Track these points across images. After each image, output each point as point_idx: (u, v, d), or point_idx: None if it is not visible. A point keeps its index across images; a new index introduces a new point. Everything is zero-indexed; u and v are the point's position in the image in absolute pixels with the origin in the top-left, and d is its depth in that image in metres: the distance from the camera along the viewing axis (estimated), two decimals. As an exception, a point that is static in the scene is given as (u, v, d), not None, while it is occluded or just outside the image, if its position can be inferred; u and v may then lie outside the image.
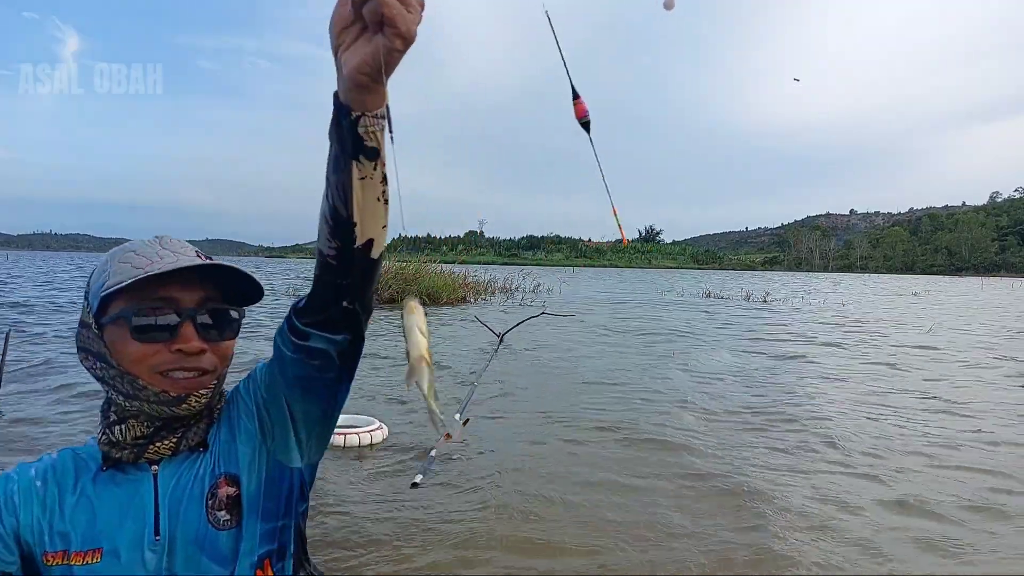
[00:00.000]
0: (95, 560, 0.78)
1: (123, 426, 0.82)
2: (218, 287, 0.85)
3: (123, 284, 0.78)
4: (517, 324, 9.86)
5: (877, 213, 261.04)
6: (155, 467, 0.83)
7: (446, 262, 19.83)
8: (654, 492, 3.47)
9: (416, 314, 0.67)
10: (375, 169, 0.68)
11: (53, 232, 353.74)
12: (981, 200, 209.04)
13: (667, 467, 3.89)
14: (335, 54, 0.62)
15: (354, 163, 0.67)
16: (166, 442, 0.83)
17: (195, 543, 0.81)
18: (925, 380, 7.03)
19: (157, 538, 0.80)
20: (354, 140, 0.66)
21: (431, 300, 15.39)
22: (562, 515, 3.15)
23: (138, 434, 0.82)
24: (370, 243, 0.72)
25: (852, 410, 5.51)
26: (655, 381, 6.63)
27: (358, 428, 4.22)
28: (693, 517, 3.13)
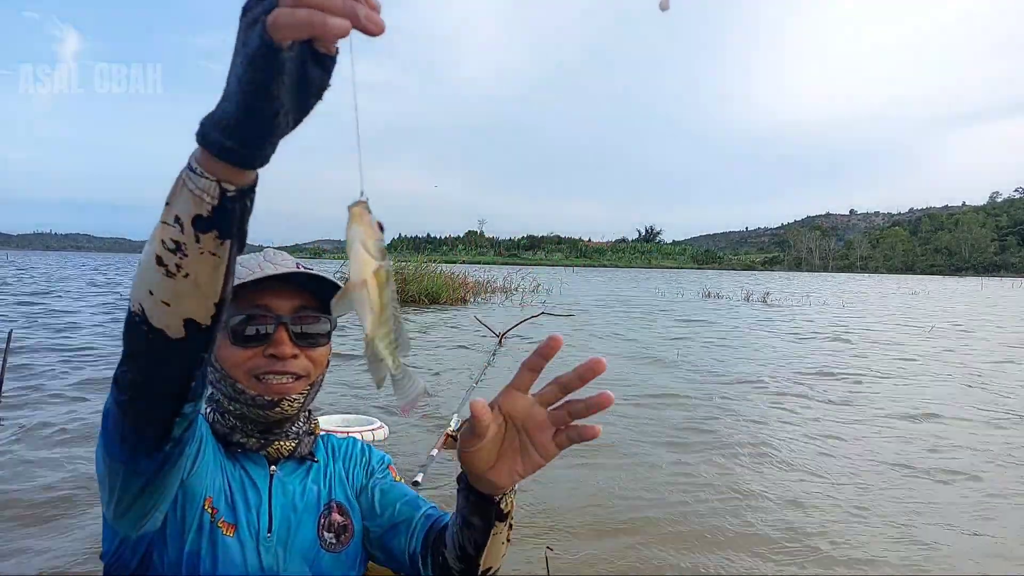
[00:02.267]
0: (231, 533, 0.82)
1: (233, 422, 0.88)
2: (313, 296, 0.90)
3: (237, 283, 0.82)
4: (517, 324, 9.86)
5: (877, 213, 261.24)
6: (273, 467, 0.90)
7: (446, 262, 19.84)
8: (663, 499, 3.48)
9: (360, 224, 0.49)
10: (505, 524, 0.74)
11: (53, 232, 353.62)
12: (981, 200, 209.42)
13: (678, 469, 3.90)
14: (462, 460, 0.66)
15: (492, 527, 0.74)
16: (286, 443, 0.90)
17: (303, 554, 0.86)
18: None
19: (269, 535, 0.85)
20: (497, 513, 0.72)
21: (431, 300, 15.40)
22: (560, 516, 3.16)
23: (250, 431, 0.88)
24: (489, 569, 0.79)
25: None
26: (653, 378, 6.65)
27: (359, 428, 4.24)
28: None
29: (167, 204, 0.52)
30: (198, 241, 0.51)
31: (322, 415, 4.54)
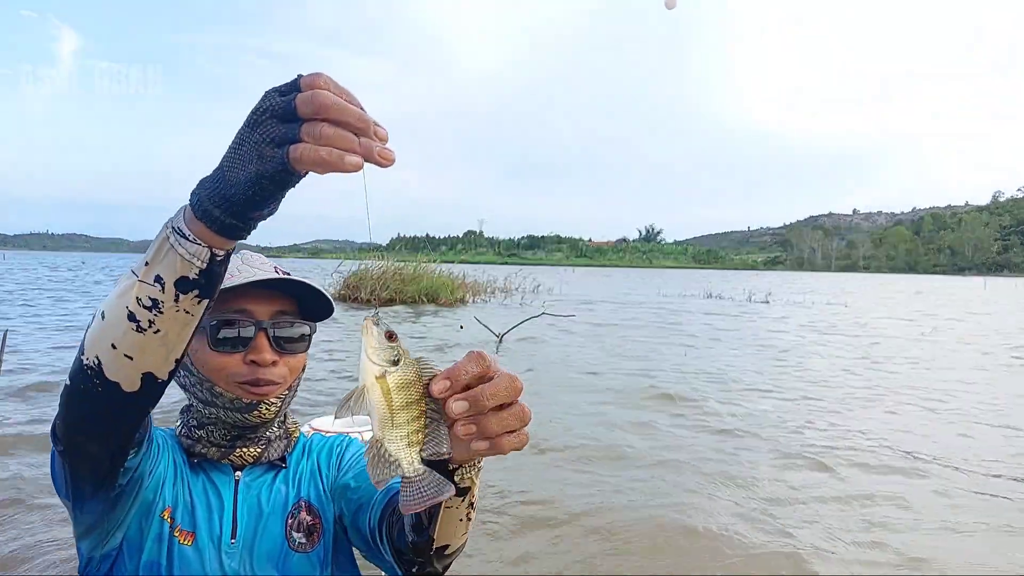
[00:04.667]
0: (188, 542, 0.81)
1: (203, 431, 0.87)
2: (292, 301, 0.90)
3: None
4: (517, 324, 9.80)
5: (880, 212, 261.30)
6: (238, 473, 0.88)
7: (445, 262, 19.79)
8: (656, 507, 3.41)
9: (365, 335, 0.54)
10: (463, 500, 0.68)
11: (50, 232, 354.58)
12: (984, 200, 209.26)
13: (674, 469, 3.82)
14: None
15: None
16: (251, 449, 0.88)
17: (270, 557, 0.85)
18: None
19: (233, 541, 0.83)
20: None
21: (430, 300, 15.35)
22: (556, 516, 3.10)
23: (217, 439, 0.87)
24: (445, 547, 0.73)
25: None
26: (647, 377, 6.58)
27: (358, 428, 4.16)
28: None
29: (146, 264, 0.54)
30: (177, 300, 0.53)
31: (320, 416, 4.47)
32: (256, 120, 0.48)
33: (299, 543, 0.87)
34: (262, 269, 0.86)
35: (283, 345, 0.86)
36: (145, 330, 0.54)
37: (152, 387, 0.58)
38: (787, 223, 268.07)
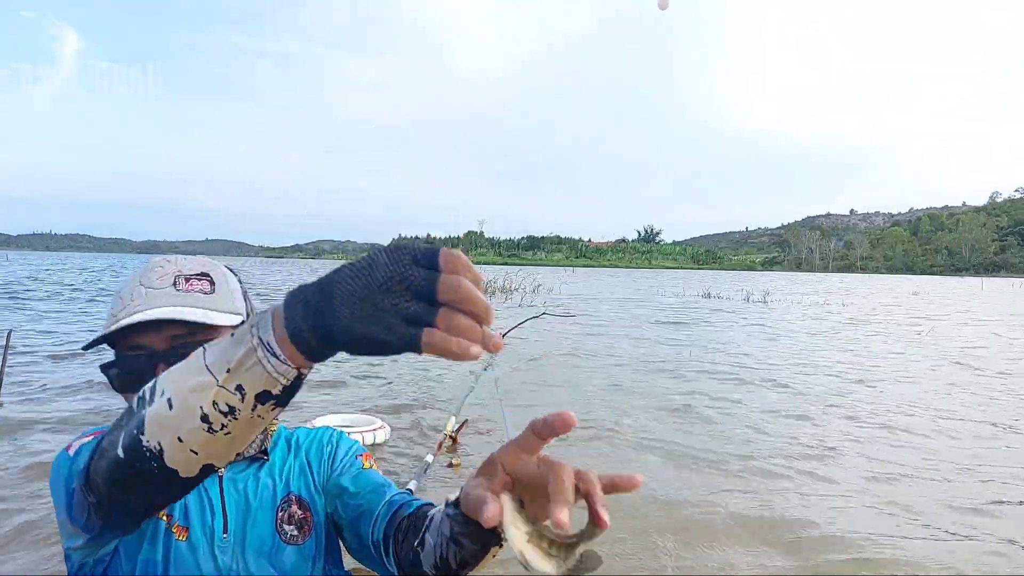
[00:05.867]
0: (183, 537, 0.81)
1: None
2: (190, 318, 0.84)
3: (99, 335, 0.83)
4: (517, 324, 9.82)
5: (877, 213, 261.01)
6: (221, 469, 0.86)
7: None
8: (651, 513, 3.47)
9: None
10: (501, 547, 0.68)
11: (52, 232, 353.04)
12: (981, 200, 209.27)
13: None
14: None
15: (486, 552, 0.67)
16: None
17: (262, 550, 0.85)
18: None
19: (225, 536, 0.84)
20: (498, 539, 0.66)
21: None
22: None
23: None
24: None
25: None
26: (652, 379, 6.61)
27: (360, 428, 4.21)
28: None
29: (228, 371, 0.52)
30: (254, 409, 0.53)
31: (323, 415, 4.51)
32: (387, 285, 0.45)
33: (291, 535, 0.87)
34: (160, 288, 0.81)
35: None
36: (216, 432, 0.54)
37: (208, 472, 0.59)
38: (785, 223, 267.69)
